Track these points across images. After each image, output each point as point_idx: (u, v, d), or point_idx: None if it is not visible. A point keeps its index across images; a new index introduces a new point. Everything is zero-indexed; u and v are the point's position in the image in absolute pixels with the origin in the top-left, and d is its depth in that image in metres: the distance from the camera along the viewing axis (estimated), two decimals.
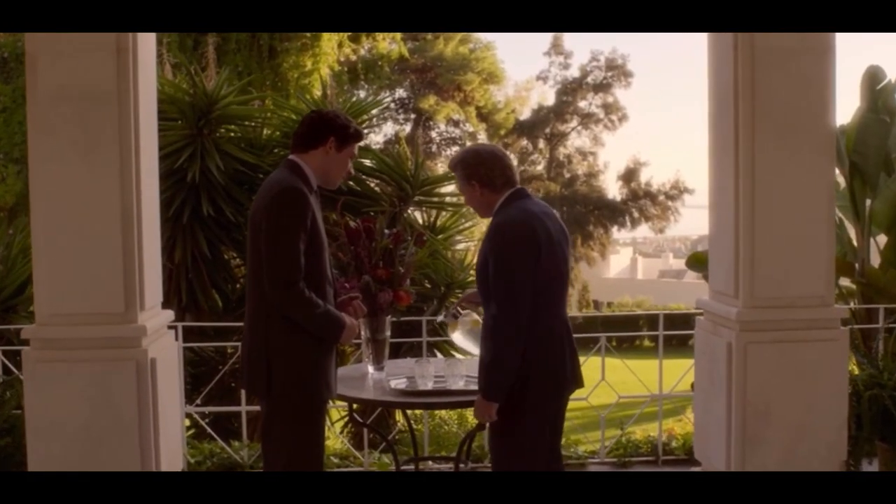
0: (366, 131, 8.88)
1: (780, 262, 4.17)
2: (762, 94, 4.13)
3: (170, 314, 4.41)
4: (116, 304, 3.95)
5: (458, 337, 4.12)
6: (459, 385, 3.91)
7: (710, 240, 4.61)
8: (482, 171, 3.63)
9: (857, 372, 4.78)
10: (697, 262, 8.80)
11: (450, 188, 9.19)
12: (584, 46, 76.65)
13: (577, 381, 3.67)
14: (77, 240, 3.92)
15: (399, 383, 4.01)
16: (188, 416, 6.34)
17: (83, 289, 3.93)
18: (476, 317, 3.99)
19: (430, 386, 3.93)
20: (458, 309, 4.09)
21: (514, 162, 3.75)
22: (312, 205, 3.43)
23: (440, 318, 4.24)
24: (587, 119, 40.14)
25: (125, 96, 3.93)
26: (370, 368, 4.27)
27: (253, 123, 8.26)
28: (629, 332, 22.91)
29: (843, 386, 4.26)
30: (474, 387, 3.74)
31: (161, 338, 4.23)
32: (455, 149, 36.33)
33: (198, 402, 7.25)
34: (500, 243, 3.48)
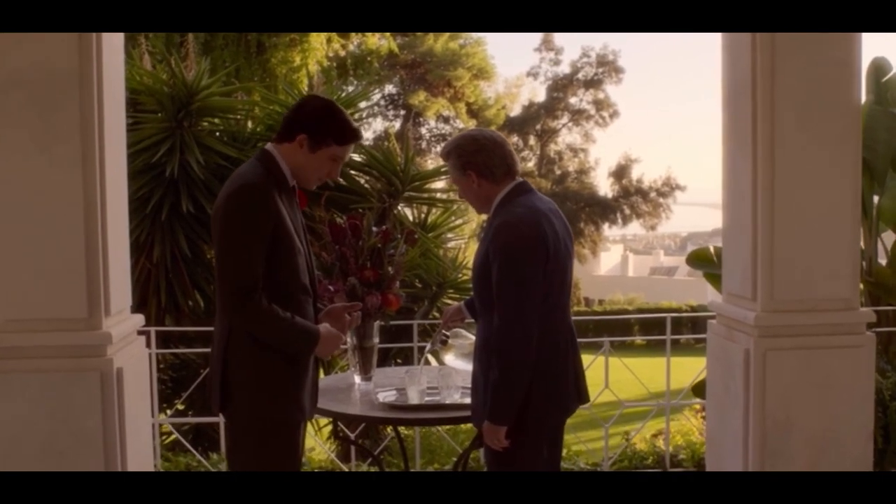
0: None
1: (802, 261, 3.85)
2: (782, 79, 3.81)
3: (139, 319, 4.06)
4: (79, 310, 3.60)
5: (451, 359, 3.78)
6: (455, 398, 3.58)
7: (723, 238, 4.29)
8: (480, 160, 3.25)
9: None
10: (699, 259, 8.49)
11: (440, 184, 8.91)
12: (575, 43, 76.71)
13: (582, 397, 3.34)
14: (35, 239, 3.57)
15: (388, 396, 3.67)
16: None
17: (42, 293, 3.58)
18: (472, 338, 3.63)
19: (422, 399, 3.60)
20: (444, 332, 3.74)
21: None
22: (278, 203, 3.02)
23: (429, 348, 3.87)
24: (578, 115, 40.06)
25: (88, 80, 3.56)
26: (357, 378, 3.94)
27: (237, 116, 7.94)
28: (626, 333, 22.82)
29: (868, 395, 3.95)
30: (469, 400, 3.42)
31: (129, 345, 3.88)
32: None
33: (178, 406, 6.96)
34: (507, 245, 3.10)
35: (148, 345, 4.30)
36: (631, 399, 5.84)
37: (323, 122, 3.12)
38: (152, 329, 4.99)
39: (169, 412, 7.00)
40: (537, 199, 3.26)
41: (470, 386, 3.45)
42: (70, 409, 3.58)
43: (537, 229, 3.12)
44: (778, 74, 3.81)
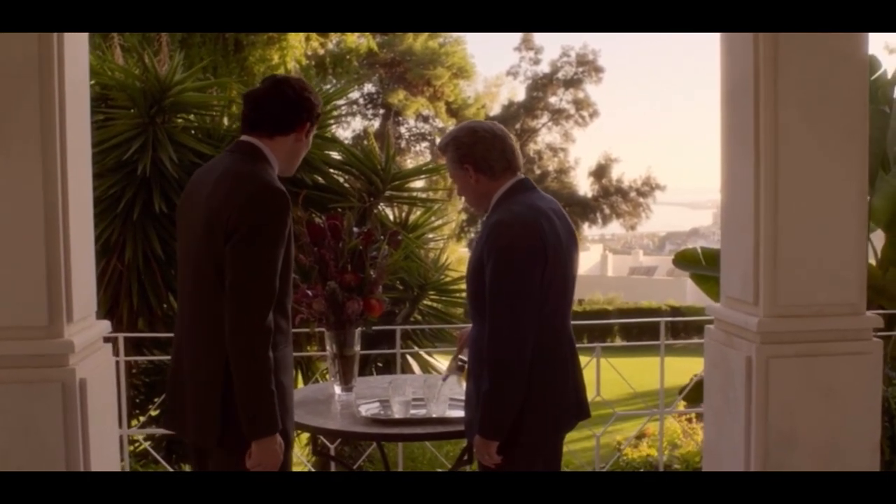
0: (332, 124, 8.42)
1: (807, 264, 3.65)
2: (786, 73, 3.61)
3: (105, 325, 3.81)
4: (38, 317, 3.34)
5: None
6: (442, 410, 3.36)
7: (722, 240, 4.09)
8: (478, 153, 3.04)
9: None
10: (685, 260, 8.35)
11: (420, 183, 8.74)
12: (555, 42, 76.68)
13: (582, 412, 3.13)
14: None
15: (370, 409, 3.45)
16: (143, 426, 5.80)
17: None
18: None
19: (407, 412, 3.38)
20: (461, 357, 3.49)
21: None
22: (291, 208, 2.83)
23: (444, 377, 3.59)
24: (558, 115, 40.01)
25: (48, 70, 3.30)
26: (337, 389, 3.71)
27: (212, 113, 7.70)
28: (606, 333, 22.92)
29: (876, 404, 3.76)
30: (459, 412, 3.20)
31: (94, 354, 3.63)
32: (425, 145, 35.98)
33: (151, 412, 6.72)
34: (501, 246, 2.89)
35: (116, 352, 4.06)
36: (614, 398, 5.63)
37: (315, 104, 2.97)
38: (120, 335, 4.74)
39: (142, 418, 6.76)
40: (538, 198, 3.05)
41: (456, 397, 3.27)
42: (29, 423, 3.33)
43: (535, 228, 2.91)
44: (781, 68, 3.61)
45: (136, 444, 6.44)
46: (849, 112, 3.67)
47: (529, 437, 2.97)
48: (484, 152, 3.05)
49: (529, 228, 2.92)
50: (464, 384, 3.44)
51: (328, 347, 3.69)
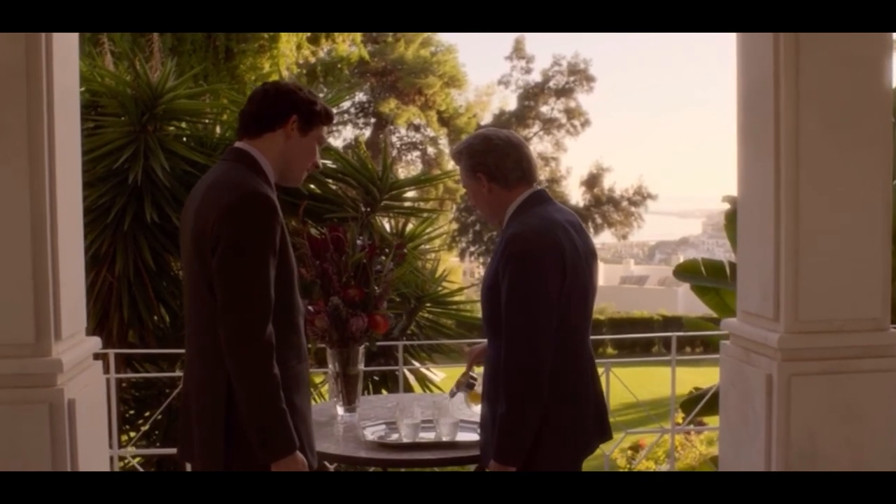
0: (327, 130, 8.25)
1: (830, 277, 3.50)
2: (808, 77, 3.47)
3: (95, 342, 3.63)
4: (25, 334, 3.16)
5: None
6: (453, 434, 3.19)
7: (739, 252, 3.94)
8: (492, 162, 2.90)
9: None
10: (686, 271, 8.19)
11: (412, 193, 8.62)
12: (547, 50, 76.95)
13: (604, 433, 2.98)
14: None
15: (376, 432, 3.28)
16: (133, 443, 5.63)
17: None
18: None
19: (415, 436, 3.20)
20: (472, 375, 3.32)
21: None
22: (280, 214, 2.65)
23: (452, 394, 3.42)
24: (549, 124, 40.02)
25: (36, 73, 3.14)
26: (340, 410, 3.54)
27: (205, 120, 7.54)
28: (596, 343, 22.87)
29: None
30: (470, 435, 3.04)
31: (83, 372, 3.45)
32: (416, 154, 35.90)
33: (142, 428, 6.55)
34: (518, 259, 2.75)
35: (106, 370, 3.87)
36: (613, 408, 5.49)
37: (311, 99, 2.80)
38: (111, 352, 4.56)
39: (133, 434, 6.58)
40: (555, 210, 2.91)
41: (466, 419, 3.11)
42: (15, 446, 3.15)
43: (552, 241, 2.77)
44: (802, 70, 3.47)
45: (125, 462, 6.27)
46: (872, 117, 3.52)
47: (548, 462, 2.81)
48: (497, 161, 2.92)
49: (546, 241, 2.78)
50: (473, 405, 3.29)
51: (330, 366, 3.52)
